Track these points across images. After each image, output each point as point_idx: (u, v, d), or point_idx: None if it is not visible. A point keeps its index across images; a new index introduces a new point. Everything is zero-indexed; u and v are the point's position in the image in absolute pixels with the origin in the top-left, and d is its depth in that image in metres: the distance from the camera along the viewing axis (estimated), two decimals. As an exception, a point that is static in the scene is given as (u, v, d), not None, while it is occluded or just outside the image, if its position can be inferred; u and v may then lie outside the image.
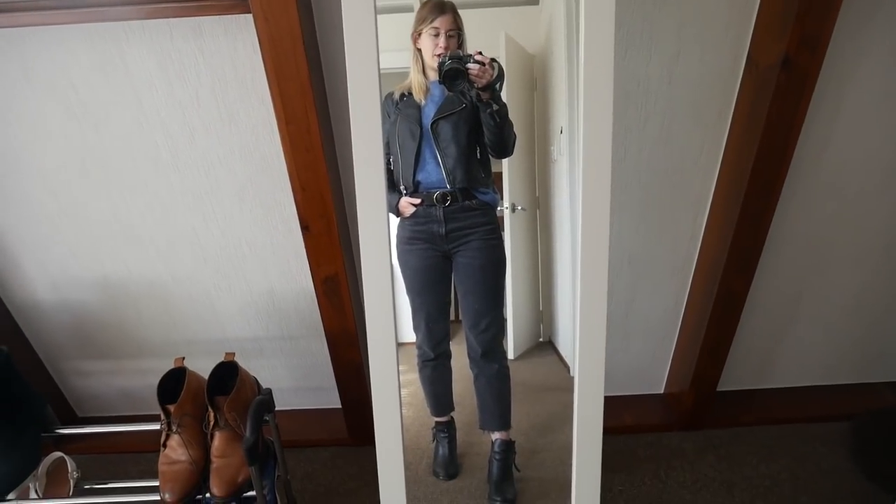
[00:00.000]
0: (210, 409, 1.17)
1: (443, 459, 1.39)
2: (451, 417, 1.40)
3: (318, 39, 1.20)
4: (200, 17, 1.18)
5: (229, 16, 1.17)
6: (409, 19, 1.14)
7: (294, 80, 1.13)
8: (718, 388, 1.62)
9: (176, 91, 1.27)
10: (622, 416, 1.68)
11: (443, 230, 1.22)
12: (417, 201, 1.21)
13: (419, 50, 1.16)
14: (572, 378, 1.17)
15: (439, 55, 1.12)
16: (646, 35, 1.22)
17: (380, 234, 1.07)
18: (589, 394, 1.15)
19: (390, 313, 1.11)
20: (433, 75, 1.15)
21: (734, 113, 1.30)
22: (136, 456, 1.63)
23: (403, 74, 1.18)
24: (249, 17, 1.10)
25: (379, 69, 1.00)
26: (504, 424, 1.35)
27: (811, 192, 1.41)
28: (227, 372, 1.22)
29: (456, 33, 1.13)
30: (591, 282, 1.09)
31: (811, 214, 1.44)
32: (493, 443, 1.36)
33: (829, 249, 1.51)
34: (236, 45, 1.21)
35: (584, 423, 1.17)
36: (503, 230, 1.27)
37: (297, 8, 1.06)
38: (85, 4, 1.10)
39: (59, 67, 1.24)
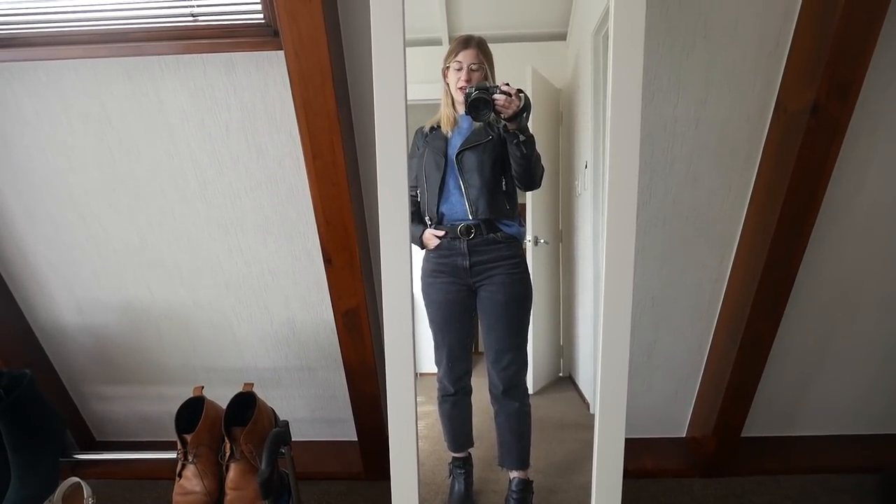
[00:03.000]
0: (227, 439, 1.17)
1: (458, 496, 1.36)
2: (469, 453, 1.37)
3: (346, 75, 1.22)
4: (233, 53, 1.21)
5: (261, 52, 1.20)
6: (439, 51, 1.16)
7: (322, 115, 1.15)
8: (742, 434, 1.58)
9: (207, 124, 1.29)
10: (642, 459, 1.64)
11: (467, 263, 1.22)
12: (441, 233, 1.21)
13: (448, 85, 1.17)
14: (592, 415, 1.15)
15: (462, 88, 1.13)
16: (673, 80, 1.22)
17: (402, 269, 1.08)
18: (609, 436, 1.13)
19: (410, 348, 1.10)
20: (461, 109, 1.16)
21: (762, 157, 1.28)
22: (152, 483, 1.63)
23: (432, 107, 1.20)
24: (281, 53, 1.13)
25: (406, 103, 1.01)
26: (522, 464, 1.32)
27: (841, 235, 1.39)
28: (245, 402, 1.21)
29: (480, 67, 1.14)
30: (613, 322, 1.08)
31: (841, 259, 1.42)
32: (510, 481, 1.33)
33: (858, 294, 1.48)
34: (266, 81, 1.24)
35: (604, 465, 1.15)
36: (527, 263, 1.26)
37: (327, 45, 1.08)
38: (123, 39, 1.14)
39: (96, 99, 1.28)
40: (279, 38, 1.10)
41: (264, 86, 1.24)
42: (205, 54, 1.21)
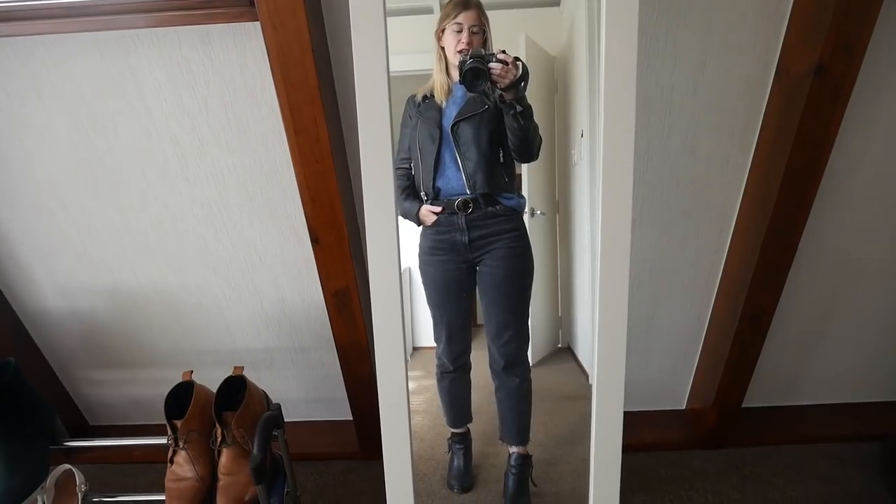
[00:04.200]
0: (217, 424, 1.15)
1: (458, 471, 1.36)
2: (468, 429, 1.37)
3: (328, 47, 1.17)
4: (209, 25, 1.15)
5: (238, 24, 1.14)
6: (430, 21, 1.12)
7: (303, 89, 1.10)
8: (743, 405, 1.57)
9: (185, 100, 1.24)
10: (641, 432, 1.63)
11: (466, 239, 1.18)
12: (438, 209, 1.17)
13: (442, 48, 1.12)
14: (591, 386, 1.14)
15: (462, 51, 1.08)
16: (670, 43, 1.17)
17: (389, 245, 1.04)
18: (608, 409, 1.12)
19: (399, 329, 1.08)
20: (456, 75, 1.11)
21: (763, 123, 1.24)
22: (146, 466, 1.62)
23: (422, 78, 1.16)
24: (258, 24, 1.08)
25: (388, 74, 0.97)
26: (522, 439, 1.31)
27: (844, 204, 1.35)
28: (236, 386, 1.19)
29: (480, 30, 1.10)
30: (610, 295, 1.06)
31: (844, 227, 1.38)
32: (509, 456, 1.33)
33: (861, 263, 1.45)
34: (245, 54, 1.19)
35: (603, 440, 1.14)
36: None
37: (306, 15, 1.03)
38: (91, 13, 1.09)
39: (67, 76, 1.23)
40: (255, 8, 1.05)
41: (242, 59, 1.19)
42: (179, 27, 1.15)
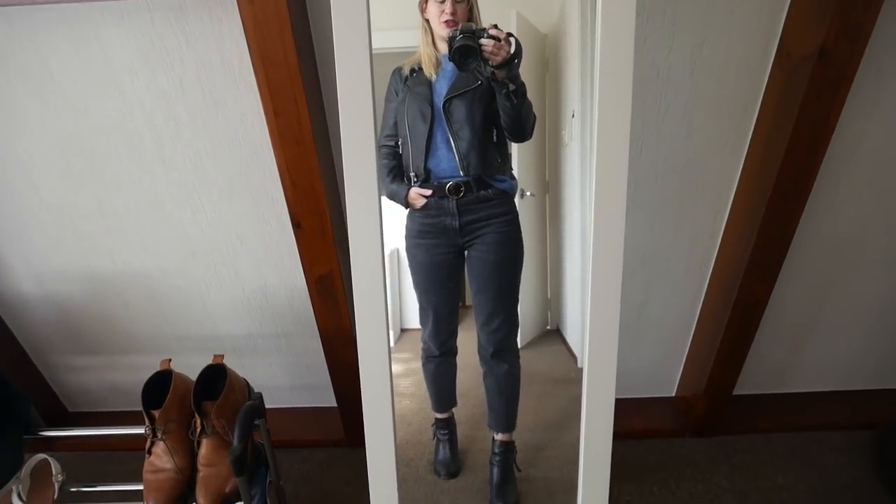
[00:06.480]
0: (196, 415, 1.11)
1: (443, 458, 1.35)
2: (452, 414, 1.35)
3: (310, 25, 1.12)
4: (182, -1, 1.09)
5: (211, -4, 1.09)
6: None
7: (282, 68, 1.05)
8: (734, 393, 1.55)
9: (158, 78, 1.19)
10: (631, 420, 1.62)
11: (456, 223, 1.14)
12: (429, 192, 1.13)
13: (427, 20, 1.07)
14: (580, 370, 1.11)
15: (447, 22, 1.03)
16: (668, 21, 1.12)
17: (371, 230, 1.00)
18: (599, 397, 1.09)
19: (382, 315, 1.04)
20: (444, 47, 1.05)
21: (761, 106, 1.20)
22: (126, 454, 1.59)
23: (403, 55, 1.11)
24: (234, -2, 1.02)
25: (370, 48, 0.91)
26: (508, 427, 1.30)
27: (841, 191, 1.32)
28: (216, 375, 1.16)
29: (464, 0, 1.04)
30: (603, 279, 1.02)
31: (840, 215, 1.36)
32: (493, 442, 1.31)
33: (857, 252, 1.43)
34: (221, 29, 1.13)
35: (593, 428, 1.11)
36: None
37: (284, -12, 0.97)
38: (56, -17, 1.03)
39: (33, 52, 1.17)
40: (230, -22, 0.99)
41: (219, 34, 1.14)
42: (151, 0, 1.10)
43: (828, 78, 1.05)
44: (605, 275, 1.02)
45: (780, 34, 1.13)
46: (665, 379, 1.68)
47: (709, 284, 1.47)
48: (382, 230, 1.00)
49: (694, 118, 1.23)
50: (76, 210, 1.37)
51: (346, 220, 1.27)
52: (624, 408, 1.61)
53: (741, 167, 1.29)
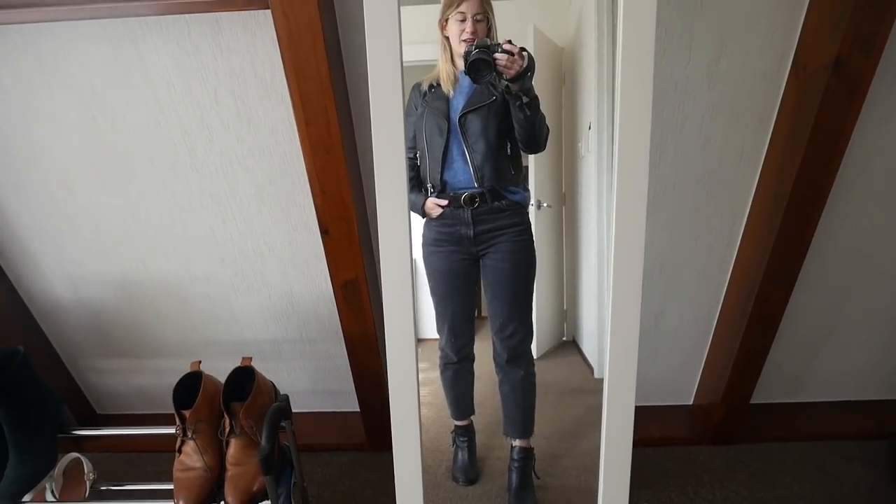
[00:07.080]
0: (226, 415, 1.14)
1: (462, 464, 1.35)
2: (471, 421, 1.36)
3: (339, 37, 1.16)
4: (218, 13, 1.14)
5: (248, 11, 1.13)
6: (434, 10, 1.10)
7: (314, 79, 1.09)
8: (751, 401, 1.56)
9: (194, 89, 1.23)
10: (649, 427, 1.63)
11: (471, 233, 1.17)
12: (444, 202, 1.16)
13: (447, 38, 1.10)
14: (597, 380, 1.14)
15: (466, 41, 1.07)
16: (685, 34, 1.15)
17: (401, 237, 1.03)
18: (619, 404, 1.10)
19: (410, 321, 1.07)
20: (461, 64, 1.09)
21: (778, 117, 1.22)
22: (154, 455, 1.63)
23: (428, 68, 1.14)
24: (268, 12, 1.07)
25: (402, 63, 0.95)
26: (525, 433, 1.31)
27: (857, 201, 1.33)
28: (244, 377, 1.19)
29: (484, 18, 1.07)
30: (624, 289, 1.04)
31: (855, 225, 1.37)
32: (511, 449, 1.32)
33: (873, 261, 1.44)
34: (255, 42, 1.17)
35: (613, 435, 1.13)
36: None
37: (317, 4, 1.02)
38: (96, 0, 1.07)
39: (75, 64, 1.22)
40: (266, -4, 1.03)
41: (253, 48, 1.18)
42: (188, 15, 1.14)
43: (842, 89, 1.07)
44: (626, 283, 1.04)
45: (795, 46, 1.15)
46: (683, 387, 1.68)
47: (726, 293, 1.48)
48: (411, 237, 1.04)
49: (711, 129, 1.26)
50: (110, 216, 1.41)
51: (370, 227, 1.32)
52: (642, 415, 1.62)
53: (758, 177, 1.30)
